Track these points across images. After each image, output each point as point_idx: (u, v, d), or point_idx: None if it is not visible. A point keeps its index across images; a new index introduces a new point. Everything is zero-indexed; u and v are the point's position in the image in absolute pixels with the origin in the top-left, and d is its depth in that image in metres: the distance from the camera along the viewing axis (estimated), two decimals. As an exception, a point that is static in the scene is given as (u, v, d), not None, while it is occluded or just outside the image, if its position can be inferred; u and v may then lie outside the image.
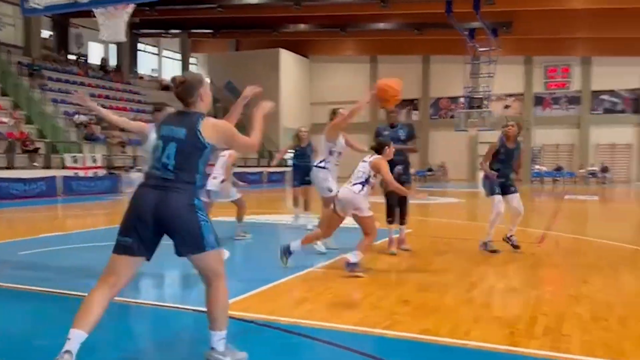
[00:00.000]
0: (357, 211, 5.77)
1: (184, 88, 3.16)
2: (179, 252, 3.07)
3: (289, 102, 36.42)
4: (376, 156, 6.04)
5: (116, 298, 3.16)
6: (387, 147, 6.07)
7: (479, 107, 30.04)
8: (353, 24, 31.19)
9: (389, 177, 5.95)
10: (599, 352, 3.46)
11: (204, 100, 3.21)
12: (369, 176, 5.89)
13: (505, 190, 7.12)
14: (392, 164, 6.32)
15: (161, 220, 2.99)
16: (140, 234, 3.00)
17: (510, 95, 35.48)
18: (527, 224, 10.51)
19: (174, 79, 3.19)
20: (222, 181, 7.73)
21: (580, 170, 31.62)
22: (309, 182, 8.74)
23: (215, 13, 28.08)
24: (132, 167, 20.02)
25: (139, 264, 3.11)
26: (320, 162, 7.04)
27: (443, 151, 36.48)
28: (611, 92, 33.39)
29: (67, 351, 2.81)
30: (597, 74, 33.27)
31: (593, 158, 33.08)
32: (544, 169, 32.55)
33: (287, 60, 36.85)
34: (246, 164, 30.86)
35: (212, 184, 7.71)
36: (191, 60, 38.38)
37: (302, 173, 9.27)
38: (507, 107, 35.60)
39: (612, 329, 3.95)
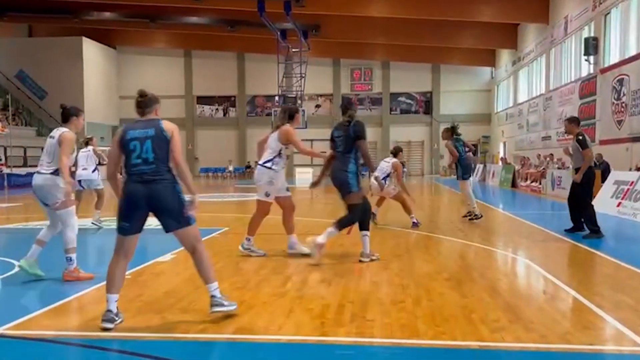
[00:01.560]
0: (392, 195, 9.73)
1: (145, 100, 4.11)
2: (168, 229, 4.03)
3: (94, 95, 33.64)
4: (394, 159, 9.76)
5: None
6: (401, 152, 10.27)
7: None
8: (164, 15, 29.97)
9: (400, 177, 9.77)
10: (398, 334, 3.78)
11: (157, 115, 4.16)
12: (389, 173, 9.66)
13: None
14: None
15: (153, 207, 3.93)
16: (135, 218, 3.96)
17: (321, 96, 37.48)
18: (336, 217, 11.15)
19: (140, 91, 4.15)
20: (93, 171, 9.86)
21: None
22: None
23: (2, -7, 24.78)
24: None
25: (137, 238, 4.06)
26: (267, 162, 6.48)
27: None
28: (407, 95, 37.23)
29: (109, 310, 3.88)
30: (394, 78, 36.81)
31: (393, 154, 36.52)
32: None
33: (91, 50, 33.95)
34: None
35: (83, 174, 9.72)
36: (-28, 44, 33.25)
37: None
38: (318, 106, 37.56)
39: (408, 309, 4.35)
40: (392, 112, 37.27)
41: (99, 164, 10.04)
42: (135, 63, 37.61)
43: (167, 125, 4.04)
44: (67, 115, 5.58)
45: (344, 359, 3.40)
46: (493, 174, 25.62)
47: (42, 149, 5.60)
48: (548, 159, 20.33)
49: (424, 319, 4.09)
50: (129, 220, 3.95)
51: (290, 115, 6.62)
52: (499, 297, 4.78)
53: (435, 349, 3.51)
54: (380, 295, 4.81)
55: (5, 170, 24.60)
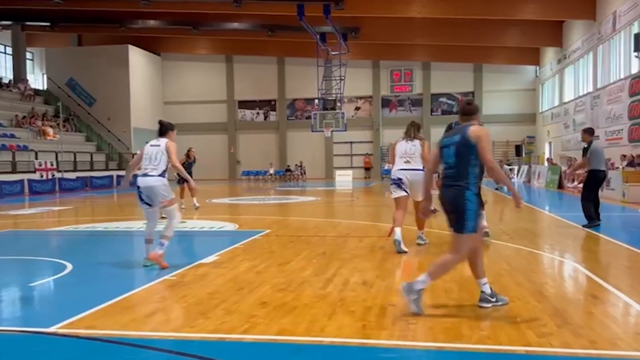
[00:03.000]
0: None
1: (470, 108, 4.55)
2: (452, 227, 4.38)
3: (140, 101, 34.63)
4: None
5: None
6: None
7: (332, 108, 31.19)
8: (206, 22, 30.57)
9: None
10: (441, 337, 3.73)
11: (477, 121, 4.45)
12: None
13: None
14: None
15: (449, 208, 4.35)
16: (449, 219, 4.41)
17: (361, 98, 37.40)
18: (377, 219, 11.10)
19: (466, 100, 4.68)
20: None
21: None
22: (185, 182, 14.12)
23: (53, 5, 25.77)
24: None
25: (473, 237, 4.34)
26: (423, 167, 7.20)
27: (300, 151, 37.33)
28: (448, 95, 36.71)
29: (482, 291, 4.52)
30: (435, 78, 36.34)
31: (434, 155, 36.06)
32: (392, 166, 34.88)
33: (137, 57, 34.97)
34: (93, 168, 28.78)
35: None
36: (27, 55, 34.76)
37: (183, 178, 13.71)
38: (357, 108, 37.47)
39: (451, 313, 4.29)
40: (433, 113, 36.80)
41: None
42: (179, 69, 38.46)
43: (472, 132, 4.28)
44: (166, 129, 6.50)
45: (386, 361, 3.39)
46: (539, 175, 24.95)
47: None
48: (596, 159, 19.62)
49: (468, 322, 4.03)
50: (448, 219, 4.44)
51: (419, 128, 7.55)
52: (545, 301, 4.66)
53: (480, 354, 3.45)
54: (423, 298, 4.75)
55: (57, 175, 25.59)
